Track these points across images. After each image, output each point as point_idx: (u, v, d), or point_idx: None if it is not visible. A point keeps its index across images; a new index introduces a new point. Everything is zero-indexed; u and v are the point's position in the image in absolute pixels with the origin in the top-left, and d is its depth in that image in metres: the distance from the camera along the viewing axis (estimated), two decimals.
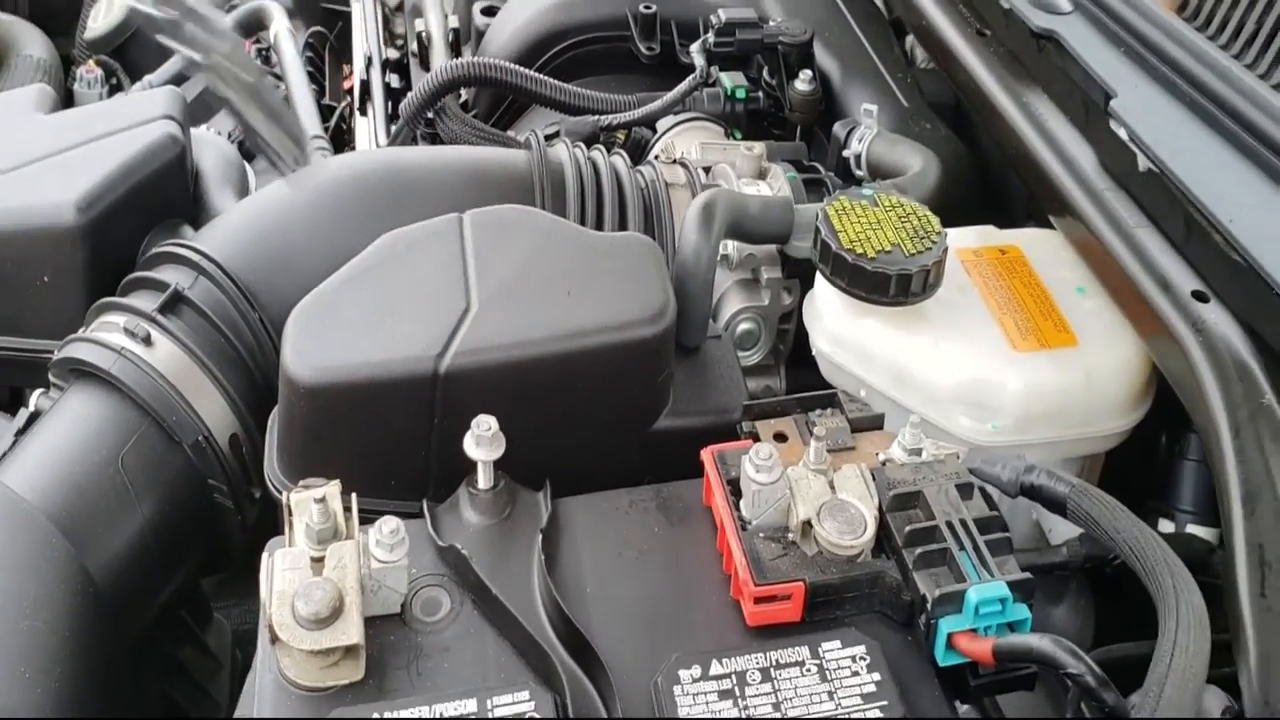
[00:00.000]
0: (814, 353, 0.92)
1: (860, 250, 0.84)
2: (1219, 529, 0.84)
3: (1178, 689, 0.52)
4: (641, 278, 0.84)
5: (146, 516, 0.82)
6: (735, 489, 0.70)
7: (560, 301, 0.82)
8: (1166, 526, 0.84)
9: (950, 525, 0.66)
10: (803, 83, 1.24)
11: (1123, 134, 0.89)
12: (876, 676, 0.61)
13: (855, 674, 0.61)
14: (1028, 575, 0.64)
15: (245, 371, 0.90)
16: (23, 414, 0.90)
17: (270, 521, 0.91)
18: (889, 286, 0.83)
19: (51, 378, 0.90)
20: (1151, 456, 0.90)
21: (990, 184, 1.20)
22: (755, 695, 0.60)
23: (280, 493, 0.83)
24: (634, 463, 0.80)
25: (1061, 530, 0.85)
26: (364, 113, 1.46)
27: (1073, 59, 0.97)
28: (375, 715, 0.59)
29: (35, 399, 0.91)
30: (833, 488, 0.69)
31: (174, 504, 0.85)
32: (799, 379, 1.09)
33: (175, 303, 0.89)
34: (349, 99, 1.65)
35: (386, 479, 0.80)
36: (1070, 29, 0.99)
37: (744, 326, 1.03)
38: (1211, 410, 0.72)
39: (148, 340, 0.86)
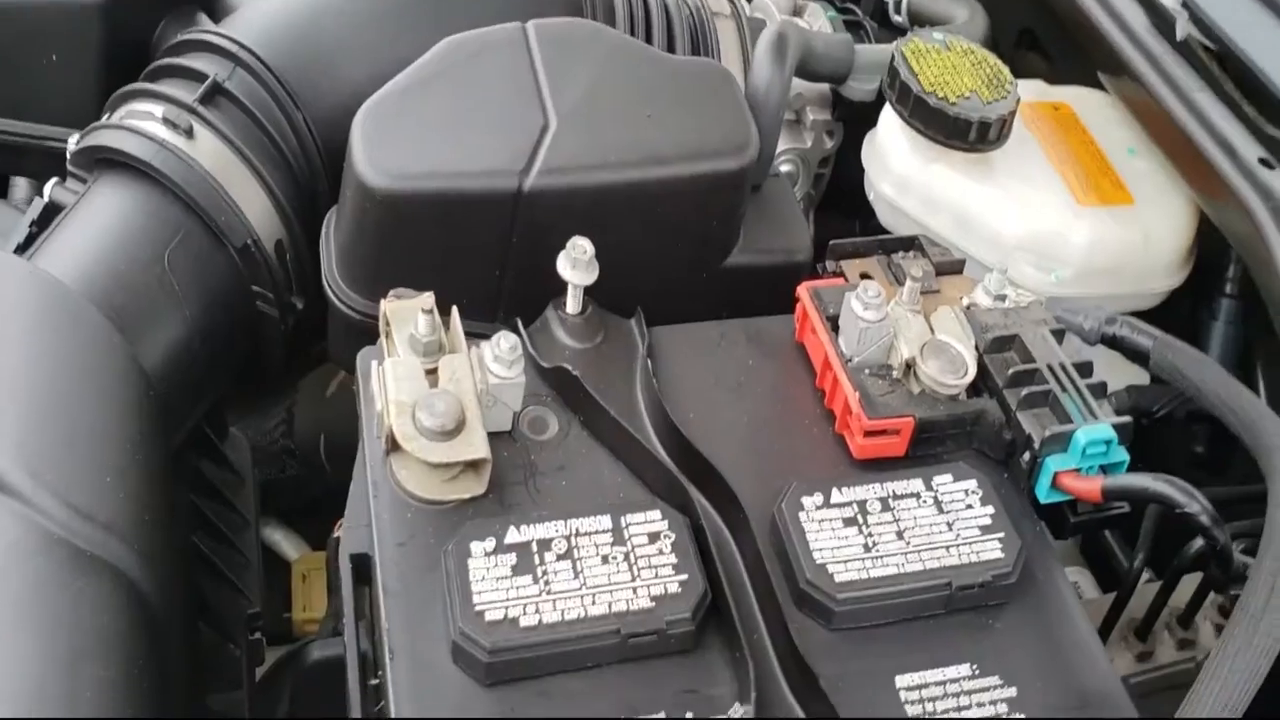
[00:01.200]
0: (870, 196, 0.92)
1: (941, 94, 0.84)
2: None
3: None
4: (722, 107, 0.82)
5: (192, 319, 0.78)
6: (833, 326, 0.70)
7: (642, 125, 0.80)
8: None
9: (1051, 368, 0.68)
10: None
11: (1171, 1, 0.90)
12: (990, 510, 0.63)
13: (969, 507, 0.63)
14: (1129, 419, 0.66)
15: (289, 174, 0.85)
16: (38, 203, 0.84)
17: (307, 333, 0.88)
18: (969, 132, 0.83)
19: (71, 168, 0.84)
20: (1172, 318, 0.94)
21: None
22: (878, 524, 0.61)
23: (340, 302, 0.80)
24: (704, 299, 0.79)
25: None
26: None
27: None
28: (513, 527, 0.58)
29: (50, 189, 0.84)
30: (930, 328, 0.70)
31: (218, 308, 0.81)
32: (822, 224, 1.09)
33: (214, 94, 0.83)
34: None
35: (457, 297, 0.77)
36: None
37: (784, 168, 1.02)
38: (1276, 265, 0.75)
39: (190, 133, 0.80)
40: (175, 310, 0.77)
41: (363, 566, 0.60)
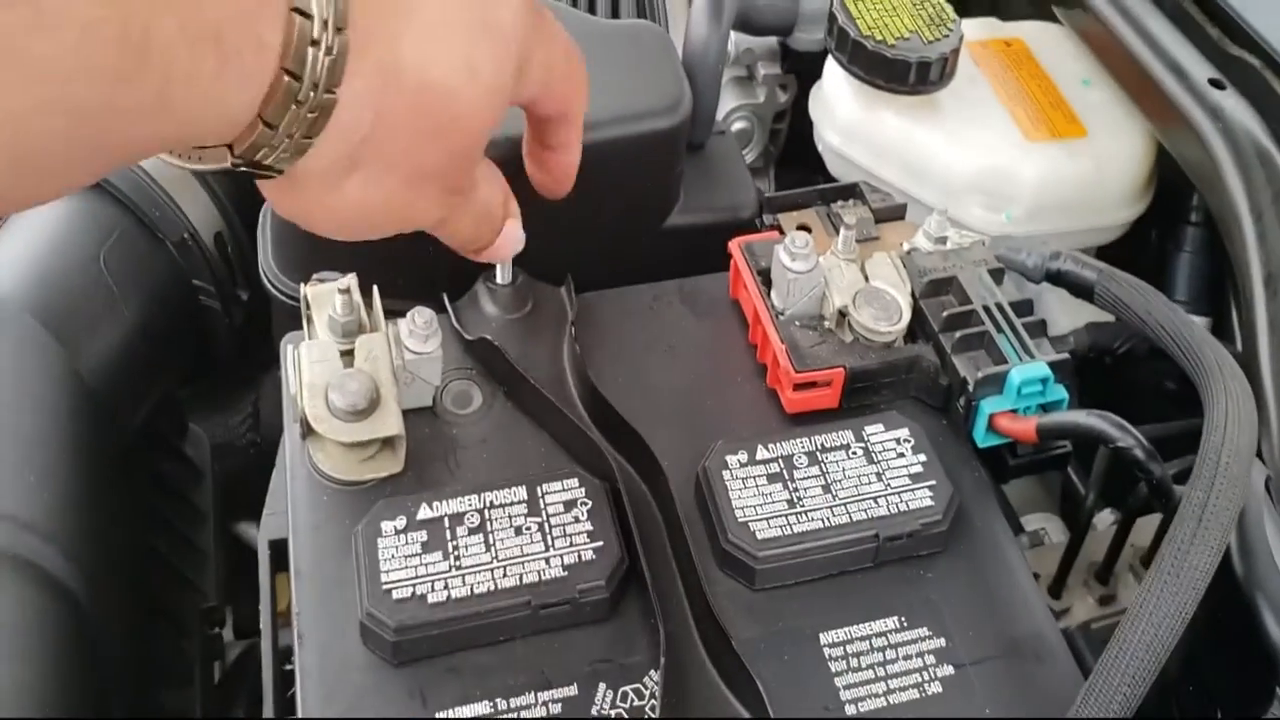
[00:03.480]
0: (820, 148, 0.90)
1: (880, 37, 0.81)
2: (1211, 318, 0.86)
3: (1234, 458, 0.53)
4: (654, 67, 0.80)
5: (132, 318, 0.78)
6: (765, 280, 0.69)
7: None
8: None
9: (987, 309, 0.66)
10: None
11: None
12: (923, 457, 0.61)
13: (901, 455, 0.61)
14: (1066, 356, 0.64)
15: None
16: None
17: (256, 327, 0.88)
18: (909, 74, 0.81)
19: None
20: (1141, 252, 0.91)
21: None
22: (804, 478, 0.60)
23: (277, 290, 0.79)
24: (645, 262, 0.78)
25: (1063, 324, 0.86)
26: None
27: None
28: (425, 504, 0.57)
29: None
30: (865, 276, 0.68)
31: (159, 305, 0.80)
32: (784, 181, 1.07)
33: None
34: None
35: (393, 276, 0.76)
36: None
37: (738, 125, 1.00)
38: (1232, 196, 0.73)
39: None
40: (113, 309, 0.77)
41: (281, 553, 0.60)
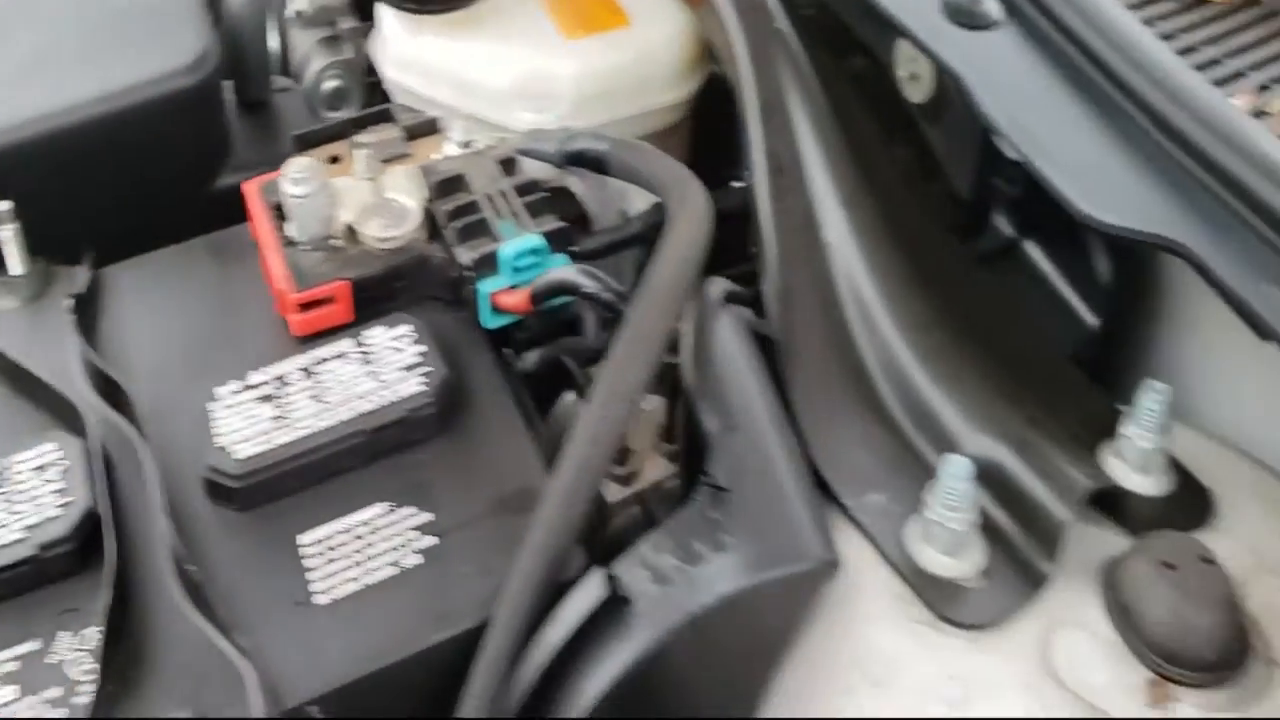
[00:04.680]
0: (384, 85, 0.88)
1: None
2: None
3: (670, 278, 0.53)
4: (176, 27, 0.79)
5: None
6: (282, 215, 0.67)
7: (90, 65, 0.76)
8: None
9: (489, 197, 0.66)
10: None
11: None
12: (422, 348, 0.60)
13: (398, 350, 0.60)
14: (563, 224, 0.64)
15: None
16: None
17: None
18: None
19: None
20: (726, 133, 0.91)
21: None
22: (295, 393, 0.59)
23: None
24: (197, 223, 0.76)
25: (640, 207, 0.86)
26: None
27: None
28: None
29: None
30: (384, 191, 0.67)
31: None
32: None
33: None
34: None
35: None
36: None
37: (332, 84, 0.98)
38: (733, 43, 0.73)
39: None
40: None
41: None
